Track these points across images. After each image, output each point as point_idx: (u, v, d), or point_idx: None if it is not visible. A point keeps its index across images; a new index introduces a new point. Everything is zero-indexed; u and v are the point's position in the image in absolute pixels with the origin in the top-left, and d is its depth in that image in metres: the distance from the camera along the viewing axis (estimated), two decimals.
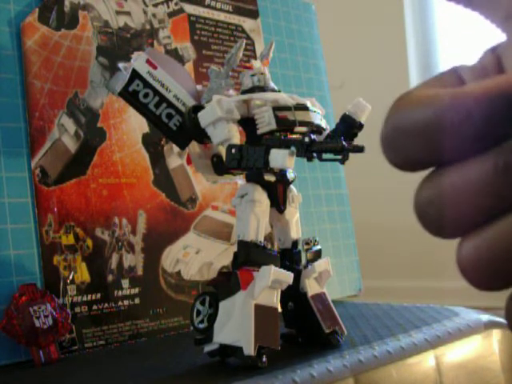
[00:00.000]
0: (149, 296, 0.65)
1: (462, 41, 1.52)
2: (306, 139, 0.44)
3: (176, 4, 0.74)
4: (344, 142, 0.44)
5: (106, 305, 0.62)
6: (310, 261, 0.53)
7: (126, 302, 0.63)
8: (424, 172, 0.19)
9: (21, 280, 0.56)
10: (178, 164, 0.70)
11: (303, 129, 0.49)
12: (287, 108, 0.49)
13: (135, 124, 0.67)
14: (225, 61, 0.54)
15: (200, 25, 0.76)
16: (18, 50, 0.60)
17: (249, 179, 0.51)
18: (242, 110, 0.50)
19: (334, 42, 1.29)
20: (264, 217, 0.50)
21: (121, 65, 0.56)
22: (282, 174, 0.52)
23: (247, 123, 0.51)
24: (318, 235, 0.68)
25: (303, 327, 0.54)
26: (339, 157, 0.44)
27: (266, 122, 0.48)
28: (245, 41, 0.56)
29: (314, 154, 0.45)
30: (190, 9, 0.76)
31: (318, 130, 0.51)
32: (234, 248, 0.49)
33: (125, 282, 0.63)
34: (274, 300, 0.47)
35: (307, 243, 0.54)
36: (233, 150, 0.47)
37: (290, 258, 0.53)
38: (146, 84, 0.54)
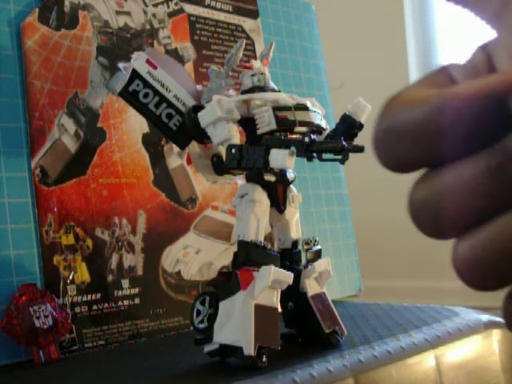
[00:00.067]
0: (149, 296, 0.65)
1: (461, 41, 1.52)
2: (306, 139, 0.44)
3: (176, 4, 0.74)
4: (344, 142, 0.44)
5: (106, 305, 0.62)
6: (310, 261, 0.53)
7: (125, 302, 0.63)
8: (419, 173, 0.19)
9: (21, 280, 0.56)
10: (177, 164, 0.70)
11: (303, 129, 0.49)
12: (287, 108, 0.49)
13: (135, 124, 0.67)
14: (225, 61, 0.54)
15: (200, 25, 0.76)
16: (18, 50, 0.60)
17: (249, 179, 0.51)
18: (241, 110, 0.50)
19: (334, 42, 1.29)
20: (264, 217, 0.50)
21: (121, 65, 0.56)
22: (282, 174, 0.52)
23: (247, 123, 0.51)
24: (318, 235, 0.68)
25: (303, 327, 0.54)
26: (339, 157, 0.44)
27: (266, 122, 0.48)
28: (245, 41, 0.56)
29: (314, 154, 0.45)
30: (190, 9, 0.76)
31: (318, 129, 0.50)
32: (234, 248, 0.49)
33: (125, 282, 0.63)
34: (274, 300, 0.47)
35: (307, 243, 0.54)
36: (233, 150, 0.47)
37: (290, 257, 0.53)
38: (146, 84, 0.54)
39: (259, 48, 0.81)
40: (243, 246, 0.48)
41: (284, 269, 0.48)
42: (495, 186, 0.17)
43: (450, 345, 0.55)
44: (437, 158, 0.18)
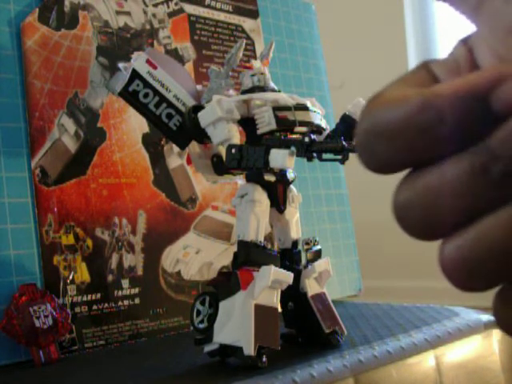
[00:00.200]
0: (149, 296, 0.65)
1: None
2: (306, 139, 0.44)
3: (176, 4, 0.74)
4: (344, 142, 0.44)
5: (106, 305, 0.62)
6: (310, 261, 0.53)
7: (126, 302, 0.63)
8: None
9: (21, 280, 0.56)
10: (177, 164, 0.70)
11: (303, 129, 0.49)
12: (287, 108, 0.49)
13: (135, 124, 0.67)
14: (225, 61, 0.54)
15: (200, 25, 0.76)
16: (18, 49, 0.60)
17: (249, 179, 0.51)
18: (242, 110, 0.50)
19: (334, 42, 1.29)
20: (264, 217, 0.50)
21: (121, 65, 0.56)
22: (282, 174, 0.52)
23: (247, 123, 0.51)
24: (318, 235, 0.68)
25: (303, 327, 0.54)
26: (339, 157, 0.44)
27: (266, 122, 0.48)
28: (245, 41, 0.56)
29: (314, 154, 0.45)
30: (190, 9, 0.76)
31: (318, 130, 0.51)
32: (234, 248, 0.49)
33: (125, 282, 0.63)
34: (274, 300, 0.47)
35: (307, 243, 0.54)
36: (233, 150, 0.47)
37: (290, 258, 0.53)
38: (146, 84, 0.54)
39: (259, 48, 0.81)
40: (243, 246, 0.48)
41: (284, 269, 0.48)
42: (479, 185, 0.17)
43: (450, 345, 0.55)
44: (419, 158, 0.18)
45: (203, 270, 0.70)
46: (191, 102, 0.54)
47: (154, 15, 0.72)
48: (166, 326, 0.65)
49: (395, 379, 0.49)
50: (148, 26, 0.71)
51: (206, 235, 0.71)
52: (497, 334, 0.60)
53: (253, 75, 0.53)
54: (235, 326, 0.46)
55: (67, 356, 0.57)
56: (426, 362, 0.52)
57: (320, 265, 0.53)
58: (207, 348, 0.48)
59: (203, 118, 0.50)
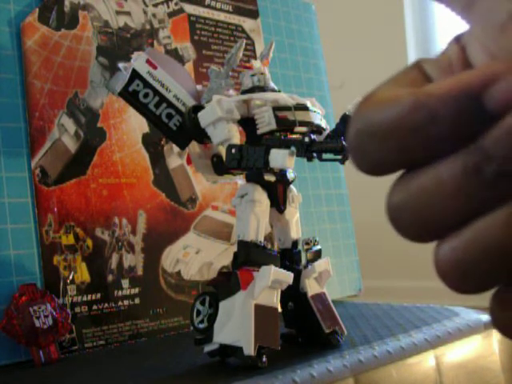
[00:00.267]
0: (149, 296, 0.65)
1: None
2: (306, 139, 0.44)
3: (176, 4, 0.74)
4: (344, 142, 0.44)
5: (106, 305, 0.62)
6: (310, 261, 0.53)
7: (126, 302, 0.63)
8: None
9: (21, 280, 0.56)
10: (177, 164, 0.70)
11: (303, 129, 0.49)
12: (287, 108, 0.49)
13: (135, 124, 0.67)
14: (225, 61, 0.54)
15: (200, 25, 0.76)
16: (18, 49, 0.60)
17: (249, 179, 0.51)
18: (242, 110, 0.50)
19: (334, 42, 1.29)
20: (264, 217, 0.50)
21: (121, 65, 0.56)
22: (282, 174, 0.52)
23: (247, 123, 0.51)
24: (318, 235, 0.68)
25: (303, 327, 0.54)
26: (339, 157, 0.44)
27: (266, 122, 0.48)
28: (245, 41, 0.56)
29: (314, 154, 0.45)
30: (190, 9, 0.76)
31: (318, 130, 0.51)
32: (234, 248, 0.49)
33: (125, 282, 0.63)
34: (274, 300, 0.47)
35: (307, 243, 0.54)
36: (233, 150, 0.47)
37: (290, 258, 0.53)
38: (146, 84, 0.54)
39: (259, 48, 0.81)
40: (243, 246, 0.48)
41: (284, 269, 0.48)
42: (473, 186, 0.16)
43: (449, 345, 0.55)
44: (412, 159, 0.17)
45: (203, 270, 0.70)
46: (191, 102, 0.54)
47: (153, 15, 0.72)
48: (165, 326, 0.65)
49: (395, 379, 0.49)
50: (148, 26, 0.71)
51: (206, 235, 0.71)
52: (497, 334, 0.60)
53: (253, 75, 0.53)
54: (235, 326, 0.46)
55: (67, 356, 0.57)
56: (426, 362, 0.52)
57: (320, 265, 0.53)
58: (207, 348, 0.48)
59: (203, 117, 0.50)
